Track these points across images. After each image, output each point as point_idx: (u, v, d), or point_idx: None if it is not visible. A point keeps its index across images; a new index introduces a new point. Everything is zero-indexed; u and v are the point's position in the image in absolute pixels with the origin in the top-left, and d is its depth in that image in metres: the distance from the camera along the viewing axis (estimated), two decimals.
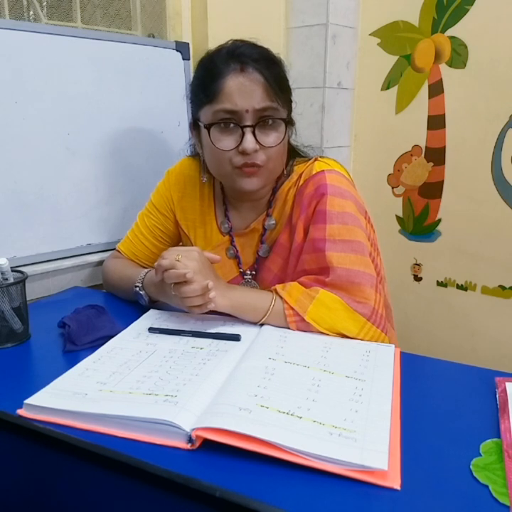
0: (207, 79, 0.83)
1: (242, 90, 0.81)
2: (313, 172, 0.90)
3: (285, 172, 0.93)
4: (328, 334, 0.79)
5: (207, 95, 0.83)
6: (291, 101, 0.89)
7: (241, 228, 0.97)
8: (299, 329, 0.80)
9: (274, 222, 0.94)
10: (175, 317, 0.85)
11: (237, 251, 0.97)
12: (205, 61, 0.86)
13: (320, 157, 0.94)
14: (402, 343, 0.89)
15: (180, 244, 1.08)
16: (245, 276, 0.97)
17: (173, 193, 1.02)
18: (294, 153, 0.96)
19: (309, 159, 0.94)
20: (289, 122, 0.89)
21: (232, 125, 0.83)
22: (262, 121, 0.83)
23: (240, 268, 0.98)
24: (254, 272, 0.97)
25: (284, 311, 0.81)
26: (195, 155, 1.02)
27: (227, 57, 0.82)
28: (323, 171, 0.89)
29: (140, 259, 1.05)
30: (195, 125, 0.91)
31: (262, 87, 0.82)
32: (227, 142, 0.83)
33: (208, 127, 0.84)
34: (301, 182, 0.91)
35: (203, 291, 0.78)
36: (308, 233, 0.88)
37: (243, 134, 0.82)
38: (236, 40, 0.85)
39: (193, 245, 1.01)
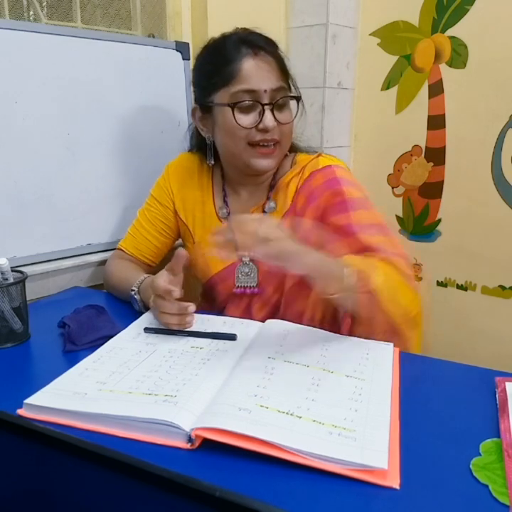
0: (221, 63, 0.88)
1: (259, 72, 0.87)
2: (320, 166, 0.93)
3: (291, 163, 0.97)
4: (383, 310, 0.75)
5: (223, 78, 0.88)
6: (295, 88, 0.95)
7: (239, 213, 0.99)
8: (364, 302, 0.75)
9: (274, 205, 0.96)
10: None
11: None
12: (216, 47, 0.91)
13: (323, 153, 0.97)
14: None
15: (179, 238, 1.09)
16: (244, 259, 0.98)
17: (172, 184, 1.04)
18: (295, 148, 1.00)
19: (311, 154, 0.98)
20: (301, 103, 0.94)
21: (252, 105, 0.87)
22: (278, 99, 0.88)
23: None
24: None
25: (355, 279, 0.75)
26: (193, 150, 1.06)
27: (238, 42, 0.88)
28: (330, 165, 0.93)
29: (143, 254, 1.06)
30: (203, 109, 0.94)
31: (274, 69, 0.88)
32: (247, 120, 0.88)
33: (232, 106, 0.87)
34: (306, 174, 0.94)
35: (179, 311, 0.78)
36: (328, 225, 0.89)
37: (263, 111, 0.87)
38: (240, 28, 0.91)
39: (191, 234, 1.04)
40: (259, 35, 0.90)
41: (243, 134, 0.88)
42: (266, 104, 0.87)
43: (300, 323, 0.86)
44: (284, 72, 0.91)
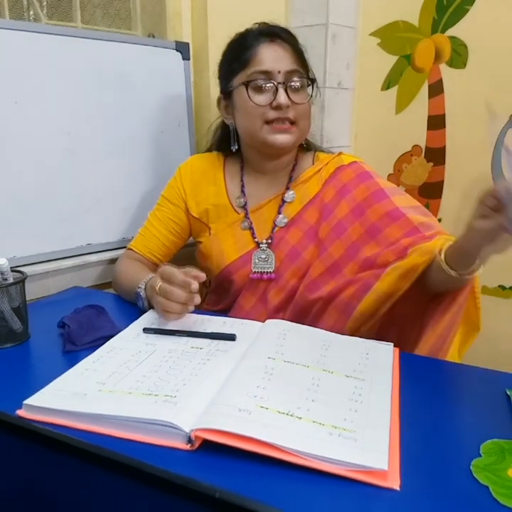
0: (240, 50, 0.95)
1: (274, 54, 0.93)
2: (346, 162, 1.00)
3: (313, 159, 1.04)
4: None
5: (240, 63, 0.95)
6: (312, 76, 1.00)
7: (257, 203, 1.02)
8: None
9: (294, 195, 1.00)
10: None
11: (251, 223, 1.02)
12: (238, 39, 0.98)
13: (343, 152, 1.04)
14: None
15: (190, 237, 1.11)
16: (261, 245, 1.00)
17: (184, 184, 1.07)
18: (315, 147, 1.07)
19: (331, 153, 1.06)
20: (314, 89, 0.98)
21: (266, 84, 0.92)
22: (293, 81, 0.93)
23: (254, 238, 1.01)
24: (270, 241, 1.00)
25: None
26: (211, 148, 1.11)
27: (258, 33, 0.95)
28: (356, 161, 1.01)
29: (152, 252, 1.07)
30: (226, 96, 1.00)
31: (290, 54, 0.94)
32: (262, 98, 0.93)
33: (246, 84, 0.93)
34: (331, 169, 1.00)
35: (186, 301, 0.79)
36: (371, 213, 0.92)
37: (276, 90, 0.92)
38: (263, 22, 0.99)
39: (207, 230, 1.05)
40: (279, 26, 0.97)
41: (258, 113, 0.93)
42: (279, 83, 0.92)
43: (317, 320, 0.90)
44: (300, 58, 0.96)
